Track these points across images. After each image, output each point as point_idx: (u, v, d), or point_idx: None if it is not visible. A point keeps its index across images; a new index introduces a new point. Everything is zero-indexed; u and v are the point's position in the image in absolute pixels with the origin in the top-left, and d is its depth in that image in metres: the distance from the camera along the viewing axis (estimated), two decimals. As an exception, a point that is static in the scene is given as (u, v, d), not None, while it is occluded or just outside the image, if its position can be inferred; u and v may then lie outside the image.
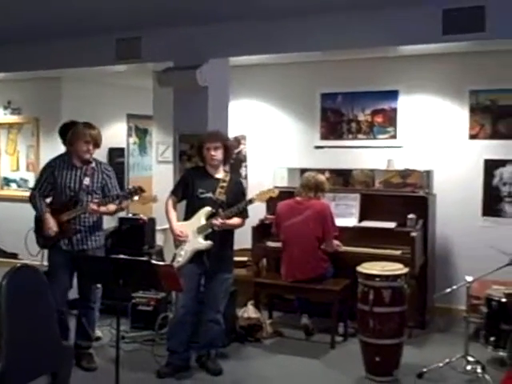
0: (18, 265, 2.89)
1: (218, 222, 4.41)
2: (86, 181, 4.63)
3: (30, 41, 6.25)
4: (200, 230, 4.48)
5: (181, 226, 4.57)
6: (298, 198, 5.41)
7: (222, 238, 4.53)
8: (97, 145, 4.67)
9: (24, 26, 5.74)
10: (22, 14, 5.32)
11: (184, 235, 4.51)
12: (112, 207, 4.66)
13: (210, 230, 4.47)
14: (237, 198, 4.56)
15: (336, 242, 5.39)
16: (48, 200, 4.77)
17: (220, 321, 4.64)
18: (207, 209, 4.50)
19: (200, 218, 4.51)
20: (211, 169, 4.64)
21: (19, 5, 5.00)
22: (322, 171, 6.08)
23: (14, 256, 4.78)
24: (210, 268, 4.53)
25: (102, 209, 4.57)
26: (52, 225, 4.55)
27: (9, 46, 6.40)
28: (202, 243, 4.47)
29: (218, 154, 4.57)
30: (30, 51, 6.40)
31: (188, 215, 4.62)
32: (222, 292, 4.63)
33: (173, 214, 4.67)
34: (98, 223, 4.75)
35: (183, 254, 4.49)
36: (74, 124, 5.02)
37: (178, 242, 4.54)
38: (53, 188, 4.69)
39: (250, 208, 6.27)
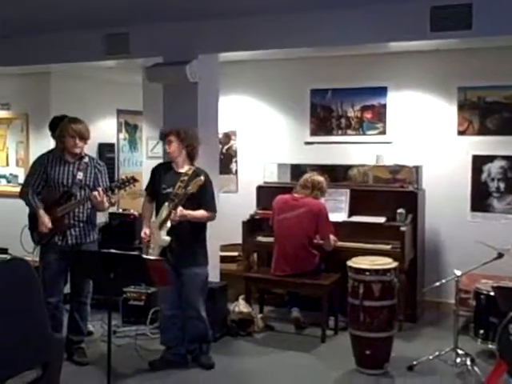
0: (8, 257, 2.88)
1: (172, 213, 4.35)
2: (80, 175, 4.63)
3: (19, 35, 6.21)
4: (161, 226, 4.44)
5: (148, 226, 4.58)
6: (295, 195, 5.44)
7: (185, 232, 4.45)
8: (84, 139, 4.67)
9: (13, 20, 5.71)
10: (11, 8, 5.29)
11: (146, 237, 4.53)
12: (106, 202, 4.63)
13: (169, 225, 4.39)
14: (199, 191, 4.42)
15: (332, 237, 5.42)
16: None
17: (201, 317, 4.58)
18: (166, 204, 4.44)
19: (162, 213, 4.48)
20: (174, 164, 4.61)
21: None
22: (311, 167, 6.13)
23: (5, 251, 4.76)
24: (176, 264, 4.44)
25: (104, 198, 4.53)
26: (46, 221, 4.55)
27: (-4, 40, 6.38)
28: (164, 239, 4.42)
29: (172, 147, 4.53)
30: (19, 46, 6.37)
31: (157, 211, 4.60)
32: (195, 288, 4.52)
33: (146, 213, 4.70)
34: (92, 218, 4.75)
35: (151, 252, 4.47)
36: (63, 118, 5.03)
37: (144, 242, 4.57)
38: (45, 184, 4.69)
39: (240, 203, 6.45)
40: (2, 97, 8.16)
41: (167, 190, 4.49)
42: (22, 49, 6.38)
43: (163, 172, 4.63)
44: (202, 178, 4.38)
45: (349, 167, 6.19)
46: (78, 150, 4.65)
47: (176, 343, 4.62)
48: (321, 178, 5.52)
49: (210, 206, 4.55)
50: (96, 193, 4.49)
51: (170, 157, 4.60)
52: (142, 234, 4.58)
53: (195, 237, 4.54)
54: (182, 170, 4.54)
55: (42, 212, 4.58)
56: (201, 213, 4.48)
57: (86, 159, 4.72)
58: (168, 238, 4.41)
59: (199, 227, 4.56)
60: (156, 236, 4.46)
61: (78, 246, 4.63)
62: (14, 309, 2.80)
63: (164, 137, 4.60)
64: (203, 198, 4.48)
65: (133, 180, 4.63)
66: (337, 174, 6.19)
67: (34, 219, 4.70)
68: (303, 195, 5.40)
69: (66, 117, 5.12)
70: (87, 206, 4.67)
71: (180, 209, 4.34)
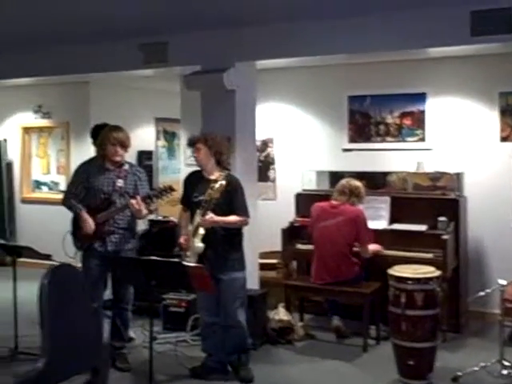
0: (58, 264, 2.93)
1: (200, 219, 4.33)
2: (120, 182, 4.68)
3: (59, 46, 6.33)
4: (194, 233, 4.42)
5: (185, 234, 4.57)
6: (333, 202, 5.40)
7: (219, 238, 4.43)
8: (124, 147, 4.71)
9: (53, 31, 5.82)
10: (51, 19, 5.39)
11: (184, 243, 4.52)
12: (145, 210, 4.66)
13: (202, 232, 4.37)
14: (228, 197, 4.40)
15: (376, 247, 5.37)
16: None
17: (240, 323, 4.51)
18: (198, 211, 4.41)
19: (195, 221, 4.45)
20: (205, 171, 4.58)
21: (48, 10, 5.07)
22: (350, 174, 6.09)
23: (48, 257, 4.83)
24: (212, 270, 4.30)
25: (142, 206, 4.55)
26: (90, 222, 4.61)
27: (38, 50, 6.48)
28: (198, 246, 4.39)
29: (200, 155, 4.51)
30: (59, 56, 6.49)
31: (191, 220, 4.56)
32: (232, 295, 4.47)
33: (182, 223, 4.70)
34: (132, 225, 4.79)
35: (188, 259, 4.43)
36: (105, 126, 5.10)
37: (183, 249, 4.55)
38: (87, 192, 4.75)
39: (279, 210, 6.43)
40: (43, 106, 8.33)
41: (199, 198, 4.46)
42: (61, 59, 6.50)
43: (195, 180, 4.62)
44: (223, 182, 4.32)
45: (388, 174, 6.13)
46: (118, 158, 4.70)
47: (216, 350, 4.61)
48: (358, 183, 5.46)
49: (241, 211, 4.48)
50: (134, 201, 4.52)
51: (198, 164, 4.58)
52: (181, 240, 4.58)
53: (229, 242, 4.50)
54: (213, 177, 4.49)
55: (85, 214, 4.64)
56: (232, 218, 4.43)
57: (126, 166, 4.77)
58: (202, 245, 4.39)
59: (233, 232, 4.52)
60: (191, 243, 4.46)
61: (117, 252, 4.67)
62: (66, 314, 2.84)
63: (192, 144, 4.58)
64: (233, 203, 4.45)
65: (170, 189, 4.63)
66: (376, 181, 6.13)
67: (76, 224, 4.77)
68: (341, 202, 5.36)
69: (107, 125, 5.20)
70: (127, 214, 4.71)
71: (210, 215, 4.31)
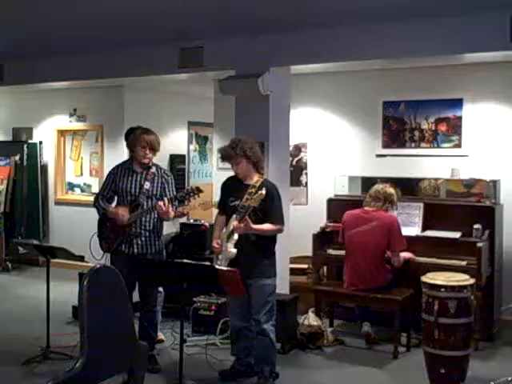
0: (98, 266, 2.97)
1: (235, 224, 4.29)
2: (147, 185, 4.71)
3: (96, 50, 6.43)
4: (228, 238, 4.39)
5: (218, 237, 4.54)
6: (366, 208, 5.36)
7: (252, 244, 4.38)
8: (154, 150, 4.74)
9: (88, 36, 5.91)
10: (87, 25, 5.47)
11: (217, 246, 4.48)
12: (172, 212, 4.66)
13: (236, 237, 4.34)
14: (265, 205, 4.33)
15: (408, 255, 5.32)
16: (113, 205, 4.89)
17: (266, 332, 4.41)
18: (234, 216, 4.36)
19: (229, 225, 4.42)
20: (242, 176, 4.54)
21: (84, 15, 5.15)
22: (383, 179, 6.04)
23: (82, 259, 4.88)
24: (243, 275, 4.09)
25: (170, 208, 4.56)
26: (121, 211, 4.64)
27: (74, 55, 6.60)
28: (231, 251, 4.34)
29: (240, 169, 4.46)
30: (94, 60, 6.61)
31: (226, 224, 4.54)
32: (260, 301, 4.41)
33: (217, 227, 4.66)
34: (158, 228, 4.81)
35: (219, 263, 4.40)
36: (138, 129, 5.16)
37: (215, 252, 4.52)
38: (115, 194, 4.81)
39: (310, 215, 6.40)
40: (78, 109, 8.46)
41: (234, 203, 4.42)
42: (98, 63, 6.61)
43: (232, 185, 4.59)
44: (264, 191, 4.26)
45: (421, 180, 6.07)
46: (146, 161, 4.74)
47: (246, 354, 4.61)
48: (393, 190, 5.41)
49: (277, 220, 4.41)
50: (161, 203, 4.54)
51: (237, 174, 4.53)
52: (214, 244, 4.56)
53: (262, 249, 4.44)
54: (251, 182, 4.46)
55: (113, 208, 4.70)
56: (266, 226, 4.37)
57: (154, 169, 4.80)
58: (234, 251, 4.34)
59: (266, 240, 4.46)
60: (224, 248, 4.44)
61: (144, 255, 4.69)
62: (104, 315, 2.87)
63: (229, 158, 4.47)
64: (269, 211, 4.38)
65: (197, 190, 4.62)
66: (409, 187, 6.07)
67: (103, 227, 4.81)
68: (375, 208, 5.31)
69: (141, 128, 5.27)
70: (154, 216, 4.74)
71: (245, 222, 4.27)
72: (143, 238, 4.71)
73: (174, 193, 4.79)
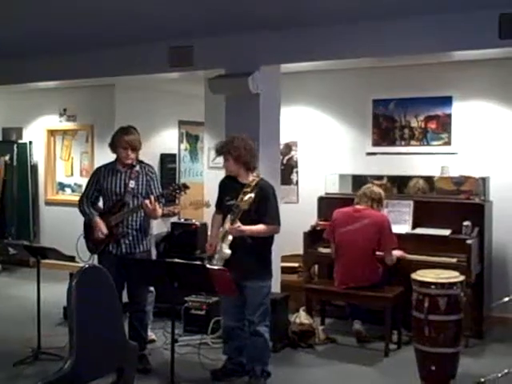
0: (86, 265, 2.96)
1: (229, 226, 4.29)
2: (132, 184, 4.68)
3: (85, 49, 6.41)
4: (223, 239, 4.38)
5: (213, 238, 4.55)
6: (356, 206, 5.37)
7: (246, 245, 4.35)
8: (135, 149, 4.71)
9: (78, 35, 5.88)
10: (76, 24, 5.44)
11: (211, 249, 4.47)
12: (159, 210, 4.64)
13: (230, 238, 4.33)
14: (259, 204, 4.33)
15: (399, 253, 5.36)
16: (100, 204, 4.87)
17: (260, 332, 4.40)
18: (229, 216, 4.36)
19: (225, 226, 4.41)
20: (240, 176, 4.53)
21: (73, 14, 5.12)
22: (374, 178, 6.07)
23: (72, 259, 4.87)
24: (237, 277, 4.15)
25: (156, 206, 4.53)
26: (102, 227, 4.63)
27: (64, 54, 6.57)
28: (225, 252, 4.33)
29: (229, 166, 4.47)
30: (85, 59, 6.58)
31: (222, 224, 4.52)
32: (254, 303, 4.39)
33: (213, 227, 4.65)
34: (145, 227, 4.78)
35: (214, 263, 4.38)
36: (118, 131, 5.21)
37: (209, 254, 4.51)
38: (100, 194, 4.79)
39: (301, 214, 6.41)
40: (68, 109, 8.42)
41: (230, 202, 4.40)
42: (87, 62, 6.58)
43: (229, 184, 4.56)
44: (252, 195, 4.25)
45: (411, 178, 6.09)
46: (129, 161, 4.71)
47: (238, 354, 4.61)
48: (379, 190, 5.46)
49: (272, 220, 4.38)
50: (147, 201, 4.51)
51: (228, 173, 4.53)
52: (207, 246, 4.56)
53: (256, 251, 4.40)
54: (246, 181, 4.43)
55: (97, 219, 4.67)
56: (259, 227, 4.33)
57: (137, 167, 4.76)
58: (229, 252, 4.32)
59: (261, 241, 4.40)
60: (219, 248, 4.41)
61: (132, 254, 4.67)
62: (94, 315, 2.86)
63: (219, 154, 4.51)
64: (262, 211, 4.35)
65: (184, 187, 4.61)
66: (399, 185, 6.09)
67: (88, 228, 4.79)
68: (366, 206, 5.33)
69: (133, 128, 5.27)
70: (140, 215, 4.71)
71: (237, 224, 4.25)
72: (130, 238, 4.69)
73: (160, 190, 4.76)
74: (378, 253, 5.29)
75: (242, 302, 4.42)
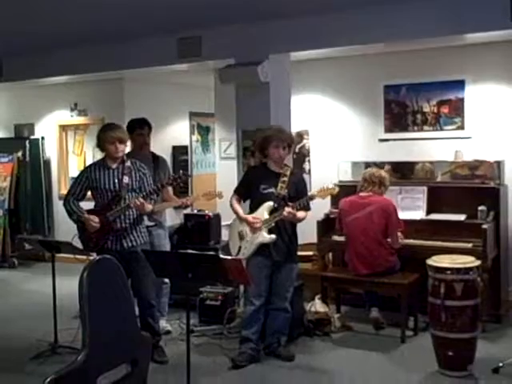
0: (97, 257, 2.96)
1: (286, 212, 4.47)
2: (126, 179, 4.65)
3: (94, 43, 6.41)
4: (264, 224, 4.58)
5: (243, 215, 4.74)
6: (361, 194, 5.34)
7: (286, 231, 4.68)
8: (123, 142, 4.69)
9: (88, 29, 5.88)
10: (87, 18, 5.44)
11: (258, 221, 4.59)
12: (149, 206, 4.62)
13: (272, 224, 4.58)
14: (298, 192, 4.67)
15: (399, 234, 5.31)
16: (82, 204, 4.80)
17: (288, 309, 4.76)
18: (269, 203, 4.61)
19: (263, 212, 4.62)
20: (273, 165, 4.72)
21: (83, 9, 5.12)
22: (386, 164, 6.02)
23: (87, 252, 4.87)
24: (278, 260, 4.66)
25: (144, 202, 4.52)
26: (92, 218, 4.58)
27: (73, 49, 6.57)
28: (266, 237, 4.59)
29: (286, 153, 4.72)
30: (94, 53, 6.57)
31: (251, 210, 4.73)
32: (289, 281, 4.76)
33: (238, 207, 4.81)
34: (140, 218, 4.75)
35: (248, 247, 4.63)
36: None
37: (253, 228, 4.62)
38: (87, 193, 4.74)
39: (314, 202, 6.34)
40: (79, 103, 8.44)
41: (268, 190, 4.63)
42: (97, 57, 6.57)
43: (260, 173, 4.76)
44: (336, 189, 4.60)
45: (424, 163, 6.03)
46: (120, 154, 4.68)
47: (256, 338, 4.71)
48: (385, 174, 5.44)
49: (308, 207, 4.67)
50: (135, 200, 4.50)
51: (278, 160, 4.70)
52: (251, 219, 4.62)
53: (295, 235, 4.79)
54: (281, 171, 4.69)
55: (86, 215, 4.63)
56: (304, 214, 4.66)
57: (129, 163, 4.73)
58: (273, 237, 4.56)
59: (295, 226, 4.77)
60: (256, 233, 4.60)
61: (134, 247, 4.64)
62: (106, 306, 2.88)
63: (276, 140, 4.64)
64: (303, 199, 4.58)
65: (183, 175, 4.67)
66: (412, 170, 6.04)
67: (81, 227, 4.74)
68: (371, 193, 5.29)
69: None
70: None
71: (289, 209, 4.46)
72: (129, 232, 4.67)
73: (152, 186, 4.73)
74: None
75: (271, 282, 4.71)
